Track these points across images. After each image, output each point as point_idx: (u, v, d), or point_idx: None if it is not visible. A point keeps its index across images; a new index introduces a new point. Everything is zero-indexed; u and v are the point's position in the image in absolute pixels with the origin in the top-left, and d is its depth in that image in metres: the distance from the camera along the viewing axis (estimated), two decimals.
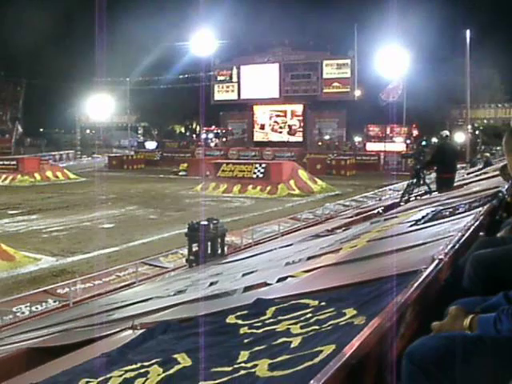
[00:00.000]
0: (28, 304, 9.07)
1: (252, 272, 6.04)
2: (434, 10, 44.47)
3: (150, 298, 5.92)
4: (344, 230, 9.72)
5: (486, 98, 51.94)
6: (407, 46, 46.07)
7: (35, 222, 18.88)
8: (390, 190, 23.66)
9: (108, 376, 2.48)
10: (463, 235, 3.86)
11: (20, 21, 52.61)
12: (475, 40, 41.28)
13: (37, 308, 9.06)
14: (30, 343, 4.78)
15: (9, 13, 52.23)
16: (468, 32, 41.00)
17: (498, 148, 44.15)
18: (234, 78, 56.56)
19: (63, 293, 9.69)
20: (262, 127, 56.56)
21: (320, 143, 52.18)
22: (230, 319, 2.97)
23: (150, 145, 58.71)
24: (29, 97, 61.78)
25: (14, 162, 37.57)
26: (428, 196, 14.02)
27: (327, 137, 53.30)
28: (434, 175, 15.26)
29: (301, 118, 54.65)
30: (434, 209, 7.20)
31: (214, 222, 11.09)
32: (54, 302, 9.37)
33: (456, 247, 3.40)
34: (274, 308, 2.94)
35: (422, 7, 43.80)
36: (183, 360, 2.47)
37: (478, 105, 48.75)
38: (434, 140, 15.54)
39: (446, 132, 15.67)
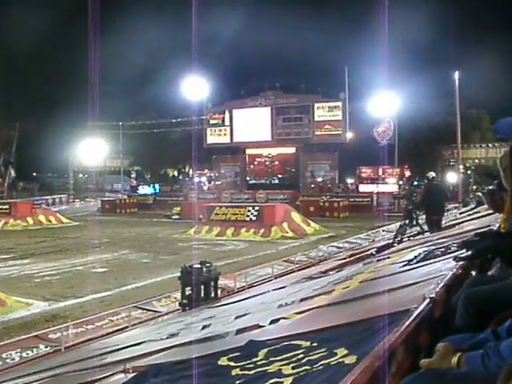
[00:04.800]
0: (18, 350, 8.92)
1: (245, 314, 6.01)
2: (425, 52, 45.21)
3: (143, 342, 5.87)
4: (337, 272, 9.70)
5: (477, 138, 52.42)
6: (398, 87, 46.63)
7: (27, 267, 18.74)
8: (383, 231, 23.64)
9: None
10: (455, 274, 3.87)
11: (14, 66, 53.10)
12: (465, 81, 41.84)
13: (27, 353, 8.91)
14: None
15: (1, 58, 52.68)
16: (457, 73, 41.54)
17: (490, 187, 44.34)
18: (227, 122, 56.82)
19: (55, 338, 9.57)
20: (255, 170, 56.80)
21: (313, 185, 52.28)
22: (222, 361, 2.96)
23: (144, 189, 58.58)
24: (22, 141, 61.94)
25: (7, 206, 37.40)
26: (420, 236, 14.06)
27: (320, 179, 53.46)
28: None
29: (293, 160, 54.95)
30: (426, 249, 7.22)
31: (207, 265, 11.05)
32: (46, 347, 9.23)
33: (448, 286, 3.40)
34: (266, 349, 2.93)
35: (413, 49, 44.54)
36: None
37: (469, 145, 49.14)
38: (426, 181, 15.63)
39: (432, 173, 15.80)
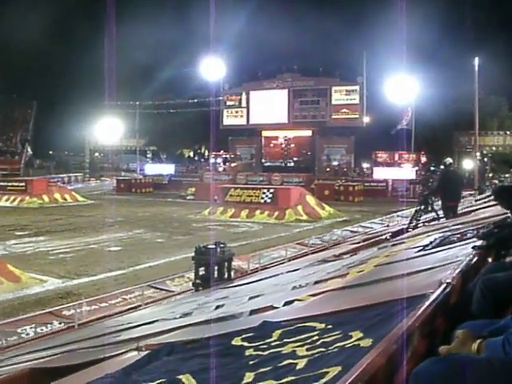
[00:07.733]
0: (33, 325, 9.01)
1: (258, 296, 6.01)
2: (444, 38, 44.69)
3: (156, 321, 5.89)
4: (351, 256, 9.69)
5: (495, 125, 51.96)
6: (416, 72, 46.21)
7: (42, 244, 18.86)
8: (398, 216, 23.57)
9: None
10: (471, 260, 3.84)
11: (32, 45, 53.20)
12: (484, 68, 41.32)
13: (42, 329, 9.00)
14: (34, 364, 4.74)
15: (21, 37, 52.78)
16: (476, 59, 41.04)
17: (507, 175, 44.08)
18: (243, 104, 56.66)
19: (69, 314, 9.65)
20: (271, 152, 56.68)
21: (328, 169, 52.13)
22: (236, 341, 2.95)
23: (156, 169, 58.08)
24: (39, 119, 62.22)
25: (23, 184, 37.62)
26: (436, 222, 13.99)
27: (335, 163, 53.30)
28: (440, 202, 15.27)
29: (309, 143, 54.78)
30: (441, 234, 7.18)
31: (221, 245, 11.06)
32: (60, 323, 9.32)
33: (464, 271, 3.38)
34: (279, 331, 2.92)
35: (432, 35, 44.04)
36: (188, 381, 2.45)
37: (486, 132, 48.71)
38: (443, 167, 15.46)
39: (449, 160, 15.64)
